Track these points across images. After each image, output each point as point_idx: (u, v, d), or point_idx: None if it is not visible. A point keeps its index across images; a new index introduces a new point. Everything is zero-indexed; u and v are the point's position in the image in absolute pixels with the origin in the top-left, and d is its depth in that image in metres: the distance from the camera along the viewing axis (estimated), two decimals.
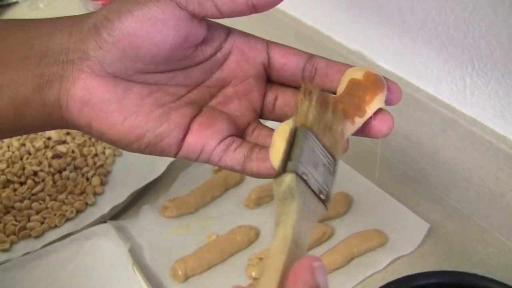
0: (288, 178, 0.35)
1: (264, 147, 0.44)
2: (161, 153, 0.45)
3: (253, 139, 0.47)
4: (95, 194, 0.86)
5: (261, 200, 0.83)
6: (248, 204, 0.83)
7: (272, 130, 0.45)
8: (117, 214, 0.84)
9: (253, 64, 0.46)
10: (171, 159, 0.85)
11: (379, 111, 0.42)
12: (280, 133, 0.40)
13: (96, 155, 0.92)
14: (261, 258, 0.74)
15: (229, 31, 0.47)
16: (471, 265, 0.74)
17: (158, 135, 0.43)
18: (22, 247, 0.78)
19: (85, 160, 0.91)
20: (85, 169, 0.89)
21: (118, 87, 0.42)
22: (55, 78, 0.42)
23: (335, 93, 0.44)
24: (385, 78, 0.44)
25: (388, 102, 0.43)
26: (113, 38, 0.40)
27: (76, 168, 0.90)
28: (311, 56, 0.46)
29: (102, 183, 0.88)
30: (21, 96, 0.42)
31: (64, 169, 0.89)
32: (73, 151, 0.91)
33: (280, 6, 1.06)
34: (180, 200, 0.83)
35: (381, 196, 0.83)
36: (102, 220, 0.81)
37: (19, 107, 0.43)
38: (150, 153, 0.45)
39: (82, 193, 0.86)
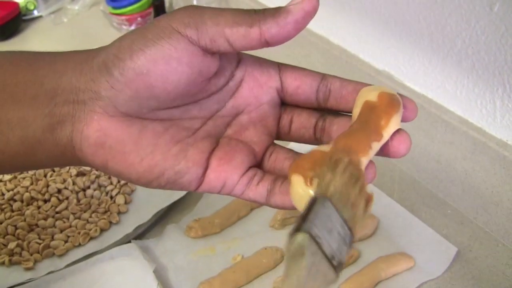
0: (301, 237, 0.34)
1: (287, 180, 0.42)
2: (182, 188, 0.44)
3: (270, 163, 0.46)
4: (119, 212, 0.86)
5: (286, 221, 0.82)
6: (274, 225, 0.82)
7: (288, 150, 0.46)
8: (142, 233, 0.84)
9: (266, 90, 0.46)
10: None
11: (396, 131, 0.41)
12: (296, 170, 0.39)
13: None
14: None
15: (240, 57, 0.46)
16: None
17: (178, 172, 0.43)
18: (46, 266, 0.78)
19: (109, 178, 0.90)
20: (109, 187, 0.89)
21: (133, 127, 0.41)
22: (67, 119, 0.41)
23: (350, 113, 0.44)
24: (400, 95, 0.43)
25: (404, 119, 0.42)
26: (125, 78, 0.39)
27: (100, 186, 0.90)
28: (324, 77, 0.45)
29: (126, 202, 0.88)
30: (31, 135, 0.42)
31: (88, 187, 0.89)
32: (97, 169, 0.90)
33: (308, 25, 1.07)
34: (205, 220, 0.82)
35: (408, 219, 0.83)
36: (127, 239, 0.81)
37: (30, 145, 0.42)
38: (170, 189, 0.44)
39: (106, 211, 0.86)
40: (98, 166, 0.43)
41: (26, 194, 0.87)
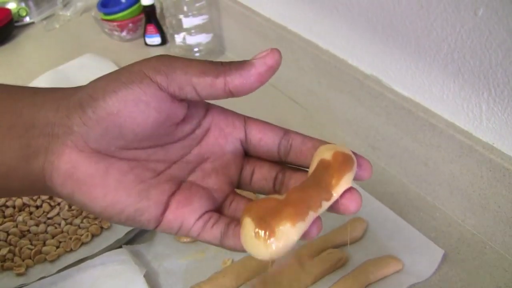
0: None
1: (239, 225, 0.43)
2: (141, 226, 0.46)
3: (231, 211, 0.47)
4: None
5: None
6: None
7: (248, 200, 0.47)
8: (133, 238, 0.84)
9: (231, 140, 0.48)
10: None
11: (347, 189, 0.42)
12: (249, 214, 0.40)
13: None
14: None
15: (208, 107, 0.48)
16: None
17: (138, 210, 0.44)
18: (38, 271, 0.78)
19: None
20: None
21: (100, 163, 0.43)
22: (41, 150, 0.43)
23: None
24: (355, 154, 0.44)
25: (358, 178, 0.44)
26: (97, 116, 0.41)
27: None
28: (286, 132, 0.47)
29: None
30: (7, 162, 0.43)
31: None
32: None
33: (297, 30, 1.08)
34: None
35: (396, 222, 0.83)
36: (118, 244, 0.81)
37: (5, 172, 0.44)
38: (130, 226, 0.46)
39: (97, 217, 0.86)
40: (65, 196, 0.44)
41: (18, 200, 0.88)
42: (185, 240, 0.82)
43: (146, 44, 1.39)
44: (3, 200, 0.88)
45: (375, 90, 0.89)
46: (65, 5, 1.58)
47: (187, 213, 0.45)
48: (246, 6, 1.18)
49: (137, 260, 0.77)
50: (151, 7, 1.33)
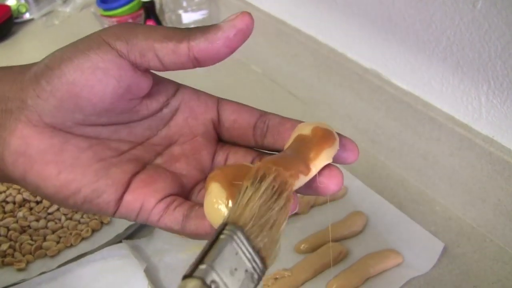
0: (192, 285, 0.31)
1: (202, 208, 0.39)
2: (99, 210, 0.41)
3: (199, 200, 0.43)
4: None
5: None
6: None
7: None
8: (133, 233, 0.84)
9: (202, 121, 0.45)
10: None
11: (326, 166, 0.39)
12: (216, 178, 0.37)
13: None
14: (276, 278, 0.74)
15: (178, 87, 0.45)
16: (488, 285, 0.74)
17: (95, 191, 0.40)
18: (38, 266, 0.78)
19: None
20: None
21: (55, 139, 0.40)
22: None
23: None
24: (339, 134, 0.40)
25: (343, 161, 0.40)
26: (51, 86, 0.38)
27: None
28: (263, 114, 0.44)
29: None
30: None
31: None
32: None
33: (296, 25, 1.07)
34: None
35: (397, 215, 0.83)
36: (118, 239, 0.82)
37: None
38: (87, 211, 0.42)
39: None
40: (17, 178, 0.41)
41: (18, 196, 0.88)
42: None
43: None
44: (3, 195, 0.88)
45: (374, 84, 0.89)
46: (65, 1, 1.58)
47: (148, 194, 0.41)
48: (245, 1, 1.18)
49: (137, 255, 0.77)
50: (151, 3, 1.32)
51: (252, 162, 0.43)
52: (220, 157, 0.45)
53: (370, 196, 0.86)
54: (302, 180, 0.37)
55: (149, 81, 0.42)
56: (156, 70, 0.41)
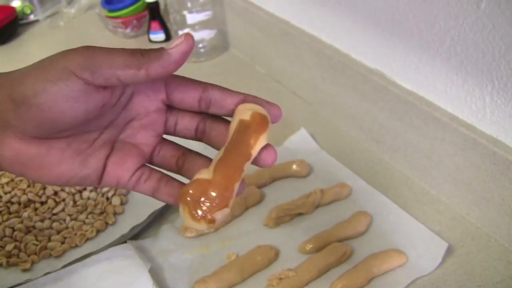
0: None
1: (169, 182, 0.52)
2: (87, 186, 0.54)
3: (159, 160, 0.54)
4: (115, 213, 0.87)
5: (280, 219, 0.83)
6: (268, 223, 0.83)
7: (174, 147, 0.53)
8: (137, 233, 0.84)
9: (154, 102, 0.52)
10: None
11: (264, 146, 0.48)
12: (183, 200, 0.46)
13: None
14: (281, 278, 0.74)
15: None
16: (492, 285, 0.74)
17: (82, 178, 0.50)
18: (43, 267, 0.79)
19: None
20: (105, 189, 0.90)
21: (41, 147, 0.48)
22: None
23: (229, 116, 0.50)
24: (266, 102, 0.49)
25: (273, 122, 0.49)
26: (30, 114, 0.44)
27: (96, 188, 0.90)
28: (205, 88, 0.51)
29: (122, 203, 0.89)
30: None
31: (84, 189, 0.90)
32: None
33: (300, 25, 1.08)
34: None
35: (401, 215, 0.83)
36: (123, 240, 0.82)
37: None
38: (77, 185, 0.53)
39: (102, 212, 0.87)
40: (17, 174, 0.49)
41: (23, 197, 0.88)
42: (189, 235, 0.82)
43: (150, 40, 1.39)
44: (8, 196, 0.89)
45: (378, 84, 0.89)
46: (70, 2, 1.59)
47: (121, 172, 0.51)
48: (250, 2, 1.18)
49: (142, 255, 0.77)
50: (155, 4, 1.33)
51: (197, 126, 0.52)
52: (170, 122, 0.53)
53: (374, 196, 0.86)
54: (247, 166, 0.47)
55: (110, 92, 0.48)
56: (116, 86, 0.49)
